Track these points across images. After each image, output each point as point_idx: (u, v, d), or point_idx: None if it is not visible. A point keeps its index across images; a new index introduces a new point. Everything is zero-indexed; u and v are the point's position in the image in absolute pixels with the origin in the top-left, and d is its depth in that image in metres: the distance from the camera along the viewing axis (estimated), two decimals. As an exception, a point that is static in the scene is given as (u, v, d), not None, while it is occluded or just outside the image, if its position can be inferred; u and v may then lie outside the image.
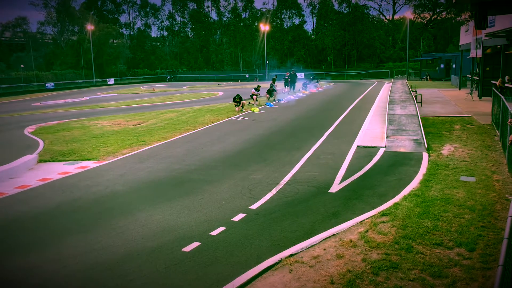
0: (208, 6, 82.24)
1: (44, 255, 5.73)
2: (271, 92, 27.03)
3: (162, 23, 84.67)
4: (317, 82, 40.66)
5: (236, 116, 19.69)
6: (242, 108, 21.68)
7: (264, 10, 78.09)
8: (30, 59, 61.12)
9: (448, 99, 25.34)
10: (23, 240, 6.30)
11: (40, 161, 11.49)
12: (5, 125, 18.93)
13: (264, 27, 59.21)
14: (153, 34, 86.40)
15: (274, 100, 26.47)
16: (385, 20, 77.69)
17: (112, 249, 5.84)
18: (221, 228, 6.42)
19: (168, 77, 68.88)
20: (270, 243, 5.90)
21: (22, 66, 56.97)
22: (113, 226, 6.71)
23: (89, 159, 11.51)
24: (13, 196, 8.52)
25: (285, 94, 30.68)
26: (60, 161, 11.47)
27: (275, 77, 31.32)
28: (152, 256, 5.59)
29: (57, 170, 10.43)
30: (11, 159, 10.92)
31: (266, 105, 24.01)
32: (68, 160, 11.48)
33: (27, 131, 16.96)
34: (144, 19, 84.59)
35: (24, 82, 51.70)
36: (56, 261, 5.53)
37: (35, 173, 10.31)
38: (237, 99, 21.93)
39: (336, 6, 73.43)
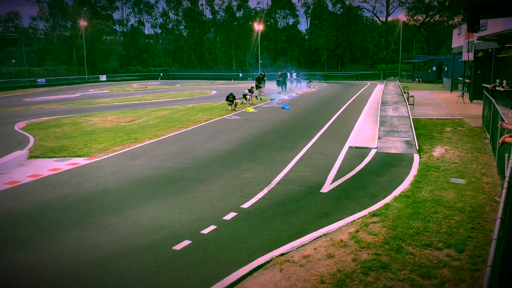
0: (202, 4, 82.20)
1: (34, 252, 5.68)
2: (260, 80, 28.40)
3: (156, 21, 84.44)
4: (310, 82, 40.81)
5: (229, 115, 19.67)
6: (235, 107, 21.68)
7: (258, 9, 78.17)
8: (21, 54, 60.57)
9: (439, 101, 25.54)
10: (13, 236, 6.25)
11: (31, 157, 11.39)
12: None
13: (258, 27, 59.20)
14: (146, 32, 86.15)
15: (260, 98, 27.20)
16: (378, 22, 78.15)
17: (102, 247, 5.81)
18: (212, 227, 6.42)
19: (161, 74, 68.63)
20: (261, 242, 5.91)
21: (14, 61, 56.43)
22: (103, 223, 6.67)
23: (80, 156, 11.43)
24: (2, 192, 8.44)
25: (278, 94, 30.77)
26: (50, 157, 11.38)
27: (263, 72, 31.94)
28: (142, 254, 5.56)
29: (47, 167, 10.35)
30: (1, 155, 10.82)
31: (270, 100, 25.89)
32: (59, 157, 11.39)
33: (18, 126, 16.80)
34: (137, 16, 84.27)
35: (15, 78, 51.22)
36: (46, 258, 5.49)
37: (25, 169, 10.22)
38: (230, 98, 21.93)
39: (330, 7, 73.77)
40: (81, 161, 10.94)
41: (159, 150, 12.19)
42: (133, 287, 4.79)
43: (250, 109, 21.26)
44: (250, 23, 72.58)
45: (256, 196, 7.85)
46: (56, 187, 8.72)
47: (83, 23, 60.46)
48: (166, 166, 10.35)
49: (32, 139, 13.86)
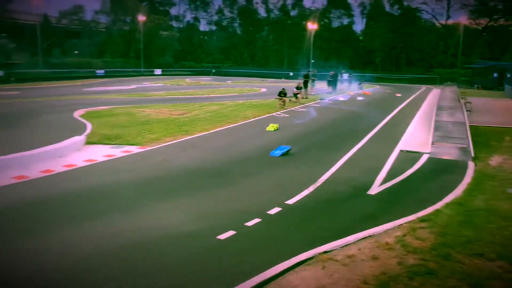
0: (257, 3, 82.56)
1: (82, 231, 5.98)
2: (307, 78, 29.14)
3: (211, 17, 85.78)
4: (361, 83, 40.08)
5: (278, 112, 19.69)
6: (284, 104, 21.64)
7: (313, 9, 77.60)
8: (83, 46, 63.48)
9: (500, 109, 24.27)
10: (66, 214, 6.61)
11: (88, 143, 11.95)
12: (56, 108, 19.79)
13: (312, 26, 58.75)
14: (201, 28, 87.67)
15: (306, 97, 26.96)
16: (437, 24, 75.24)
17: (147, 232, 6.01)
18: (257, 220, 6.47)
19: (213, 71, 69.79)
20: (304, 238, 5.90)
21: (77, 52, 59.26)
22: (150, 209, 6.91)
23: (133, 144, 11.87)
24: (60, 174, 8.95)
25: (328, 94, 30.48)
26: (105, 144, 11.88)
27: (313, 71, 31.76)
28: (186, 241, 5.72)
29: (102, 153, 10.84)
30: (61, 140, 11.43)
31: (320, 99, 25.74)
32: (113, 144, 11.88)
33: (77, 114, 17.64)
34: (193, 12, 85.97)
35: (76, 68, 53.69)
36: (92, 239, 5.76)
37: (82, 154, 10.75)
38: (282, 95, 21.86)
39: (387, 8, 71.87)
40: (134, 149, 11.37)
41: (209, 143, 12.43)
42: (176, 272, 4.93)
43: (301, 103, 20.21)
44: (304, 22, 72.17)
45: (301, 193, 7.82)
46: (108, 172, 9.13)
47: (141, 18, 62.50)
48: (215, 158, 10.54)
49: (89, 126, 14.50)
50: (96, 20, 71.60)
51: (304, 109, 21.33)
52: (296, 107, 22.08)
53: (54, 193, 7.64)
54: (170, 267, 5.02)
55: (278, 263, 5.09)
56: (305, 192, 7.92)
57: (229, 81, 50.11)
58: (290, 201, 7.39)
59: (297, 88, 24.94)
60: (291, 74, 65.27)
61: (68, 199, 7.36)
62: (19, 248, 5.44)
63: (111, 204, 7.14)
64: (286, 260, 5.19)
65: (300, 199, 7.55)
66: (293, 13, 78.48)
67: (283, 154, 10.96)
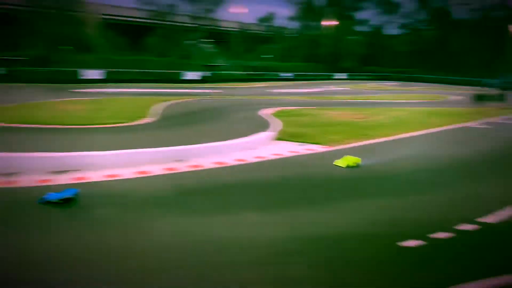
0: (452, 4, 76.02)
1: (271, 217, 6.54)
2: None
3: (399, 20, 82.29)
4: None
5: (474, 122, 17.81)
6: (481, 113, 19.38)
7: (523, 7, 67.70)
8: (275, 50, 68.17)
9: None
10: (254, 200, 7.35)
11: (276, 139, 12.82)
12: (248, 106, 21.62)
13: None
14: (388, 32, 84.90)
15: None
16: None
17: (333, 226, 6.25)
18: (443, 233, 6.01)
19: (398, 75, 67.30)
20: (501, 260, 5.27)
21: (271, 56, 64.00)
22: (336, 205, 7.18)
23: (316, 143, 12.28)
24: (251, 164, 9.96)
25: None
26: (291, 141, 12.58)
27: None
28: (370, 240, 5.77)
29: (288, 148, 11.58)
30: (252, 134, 12.53)
31: None
32: (298, 142, 12.49)
33: (267, 112, 18.96)
34: (380, 16, 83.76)
35: (267, 71, 57.83)
36: (280, 225, 6.20)
37: (270, 147, 11.67)
38: (478, 99, 19.57)
39: None
40: (317, 148, 11.79)
41: (389, 148, 12.12)
42: (360, 267, 5.04)
43: None
44: (508, 24, 63.48)
45: (499, 212, 6.97)
46: (294, 166, 9.79)
47: (329, 23, 63.93)
48: (397, 165, 10.21)
49: (277, 124, 15.46)
50: (287, 26, 76.00)
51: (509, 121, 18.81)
52: (497, 118, 19.52)
53: (245, 179, 8.60)
54: (355, 262, 5.20)
55: (469, 283, 4.66)
56: (506, 213, 7.01)
57: (416, 87, 47.61)
58: (486, 219, 6.65)
59: (503, 88, 21.89)
60: (491, 81, 58.21)
61: (256, 186, 8.15)
62: (217, 222, 6.31)
63: (296, 196, 7.62)
64: (475, 281, 4.73)
65: (499, 219, 6.73)
66: (495, 14, 69.88)
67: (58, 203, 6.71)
